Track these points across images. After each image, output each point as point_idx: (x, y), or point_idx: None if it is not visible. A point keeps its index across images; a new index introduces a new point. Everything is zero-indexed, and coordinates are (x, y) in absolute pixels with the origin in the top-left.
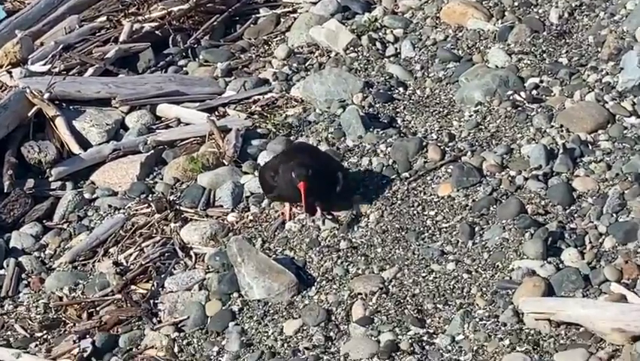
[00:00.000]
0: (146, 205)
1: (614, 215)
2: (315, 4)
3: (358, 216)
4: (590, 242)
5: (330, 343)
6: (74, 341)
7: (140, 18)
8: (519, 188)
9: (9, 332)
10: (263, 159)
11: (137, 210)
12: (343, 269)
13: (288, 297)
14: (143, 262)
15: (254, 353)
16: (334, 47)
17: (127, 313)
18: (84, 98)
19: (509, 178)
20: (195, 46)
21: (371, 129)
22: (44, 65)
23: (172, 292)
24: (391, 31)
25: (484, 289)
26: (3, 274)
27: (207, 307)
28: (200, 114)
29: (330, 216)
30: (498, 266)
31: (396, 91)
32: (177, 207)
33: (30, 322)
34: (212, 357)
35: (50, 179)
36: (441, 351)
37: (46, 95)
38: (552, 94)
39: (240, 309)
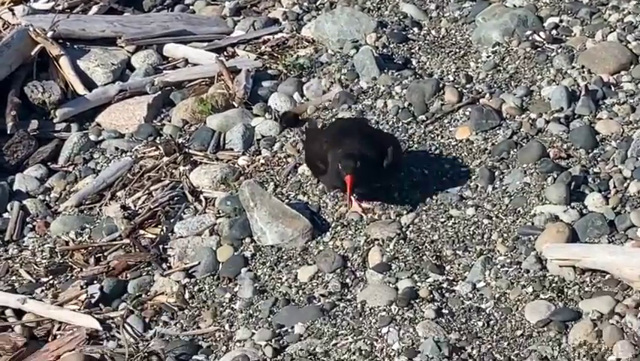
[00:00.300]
0: (154, 148)
1: (639, 159)
2: None
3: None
4: (615, 187)
5: (346, 290)
6: (82, 287)
7: None
8: (540, 131)
9: (14, 277)
10: (274, 100)
11: (144, 152)
12: (359, 214)
13: (302, 243)
14: (152, 206)
15: (268, 300)
16: None
17: (135, 258)
18: (89, 37)
19: (530, 121)
20: None
21: (385, 70)
22: (47, 2)
23: (182, 237)
24: None
25: (505, 235)
26: (7, 217)
27: (219, 253)
28: (209, 54)
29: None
30: (519, 212)
31: (411, 31)
32: (186, 150)
33: (35, 267)
34: (224, 304)
35: (55, 120)
36: (461, 298)
37: (49, 34)
38: (572, 34)
39: (252, 255)
